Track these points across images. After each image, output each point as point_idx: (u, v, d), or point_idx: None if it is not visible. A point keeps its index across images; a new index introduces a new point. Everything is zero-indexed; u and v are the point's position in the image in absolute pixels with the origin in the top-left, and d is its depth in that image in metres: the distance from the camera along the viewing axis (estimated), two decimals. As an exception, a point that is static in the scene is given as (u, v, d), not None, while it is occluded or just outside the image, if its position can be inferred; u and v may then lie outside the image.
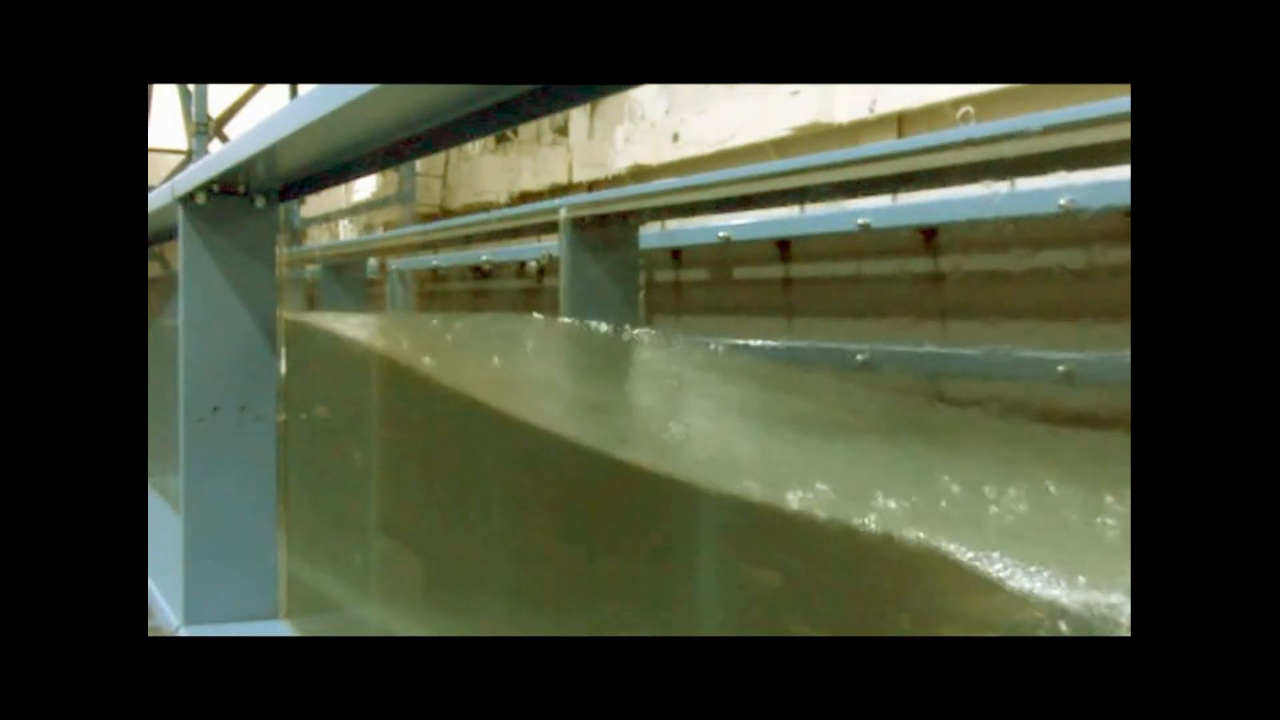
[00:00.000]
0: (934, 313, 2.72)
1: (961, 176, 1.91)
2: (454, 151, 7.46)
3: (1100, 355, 1.98)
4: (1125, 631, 0.66)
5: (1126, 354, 0.61)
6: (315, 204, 8.25)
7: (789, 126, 4.57)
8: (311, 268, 4.16)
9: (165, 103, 7.98)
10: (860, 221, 2.64)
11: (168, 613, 1.69)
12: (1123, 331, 0.62)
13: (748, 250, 3.19)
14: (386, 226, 7.33)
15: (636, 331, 1.70)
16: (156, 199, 1.81)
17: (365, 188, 7.97)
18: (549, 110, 1.11)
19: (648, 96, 5.58)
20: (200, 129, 6.93)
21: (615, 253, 2.47)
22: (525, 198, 6.47)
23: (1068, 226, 2.30)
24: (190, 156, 7.18)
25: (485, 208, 6.29)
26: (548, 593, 1.27)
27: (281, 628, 1.64)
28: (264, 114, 1.42)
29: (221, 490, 1.63)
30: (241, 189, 1.63)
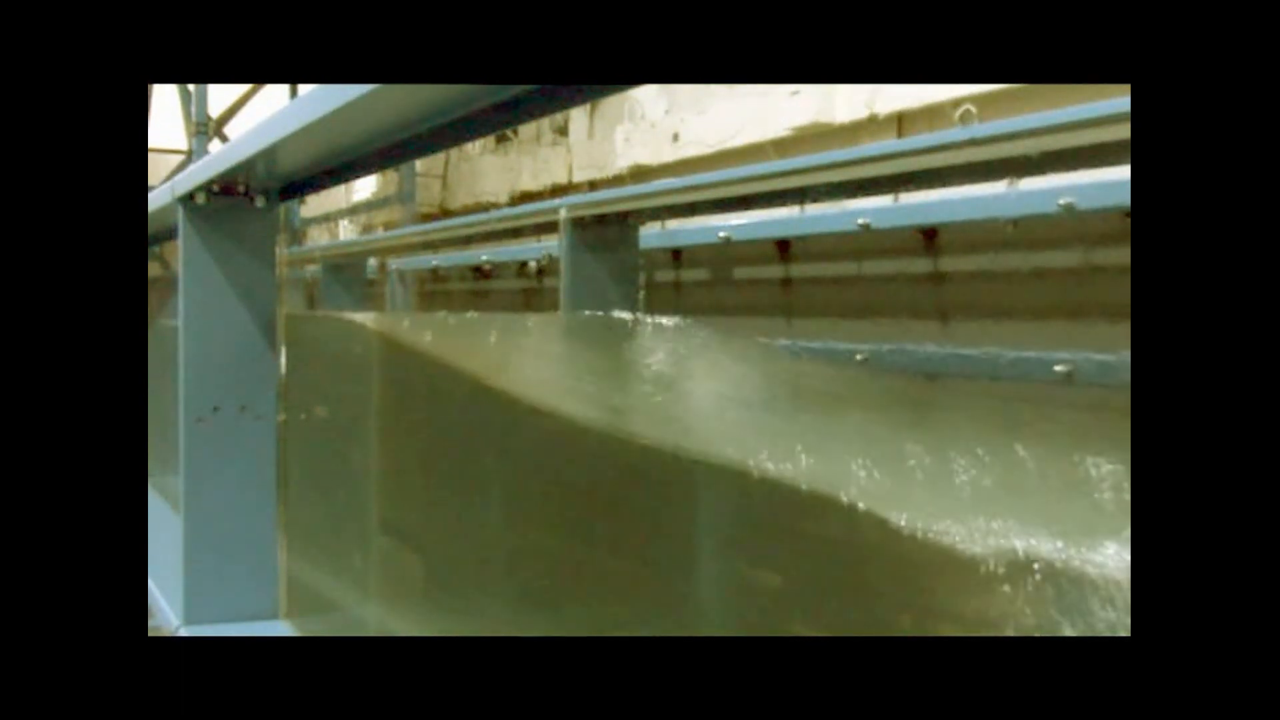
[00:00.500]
0: (934, 313, 2.72)
1: (961, 176, 1.91)
2: (454, 151, 7.46)
3: (1101, 356, 1.98)
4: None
5: (1126, 355, 0.61)
6: (315, 204, 8.25)
7: (789, 126, 4.57)
8: (311, 268, 4.16)
9: (165, 103, 7.98)
10: (860, 221, 2.65)
11: (168, 613, 1.69)
12: (1122, 331, 0.62)
13: (748, 250, 3.19)
14: (386, 227, 7.33)
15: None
16: (156, 199, 1.81)
17: (365, 188, 7.97)
18: (549, 110, 1.11)
19: (648, 96, 5.58)
20: (200, 129, 6.93)
21: (615, 253, 2.47)
22: (525, 198, 6.47)
23: (1068, 226, 2.30)
24: (190, 156, 7.18)
25: (485, 208, 6.29)
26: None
27: (281, 628, 1.64)
28: (264, 114, 1.42)
29: (221, 490, 1.63)
30: (241, 189, 1.63)
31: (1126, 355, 0.61)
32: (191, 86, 7.08)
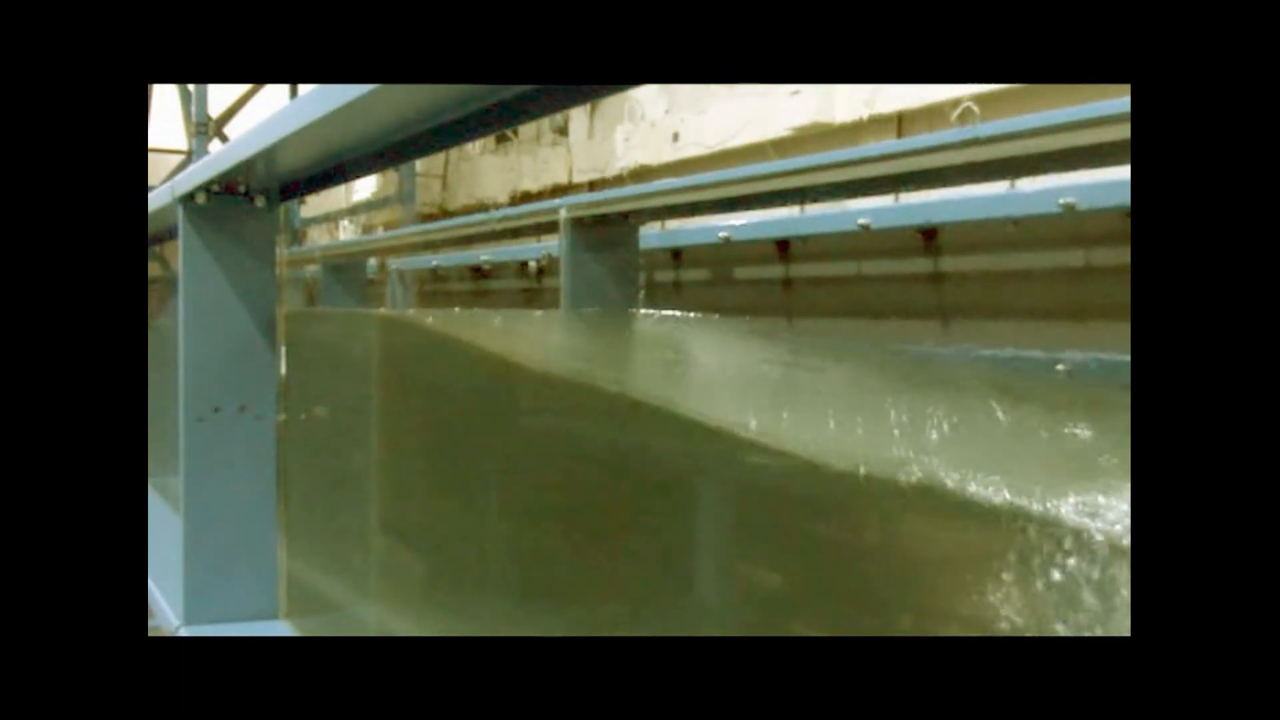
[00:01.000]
0: (934, 313, 2.72)
1: (961, 176, 1.91)
2: (454, 151, 7.47)
3: (1102, 356, 1.98)
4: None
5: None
6: (315, 204, 8.25)
7: (789, 126, 4.57)
8: (311, 268, 4.17)
9: (165, 103, 7.98)
10: (860, 221, 2.65)
11: (168, 613, 1.69)
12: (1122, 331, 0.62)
13: (748, 250, 3.19)
14: (386, 227, 7.33)
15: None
16: (156, 199, 1.81)
17: (365, 188, 7.97)
18: (549, 110, 1.11)
19: (648, 96, 5.58)
20: (200, 129, 6.93)
21: (615, 253, 2.47)
22: (525, 198, 6.48)
23: (1068, 226, 2.31)
24: (190, 156, 7.18)
25: (485, 208, 6.29)
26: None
27: (281, 628, 1.64)
28: (264, 114, 1.42)
29: (221, 490, 1.63)
30: (241, 189, 1.63)
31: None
32: (191, 86, 7.08)
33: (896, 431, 0.85)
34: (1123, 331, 0.62)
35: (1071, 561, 0.60)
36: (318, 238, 8.15)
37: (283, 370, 1.70)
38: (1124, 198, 1.93)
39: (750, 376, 1.29)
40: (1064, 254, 2.41)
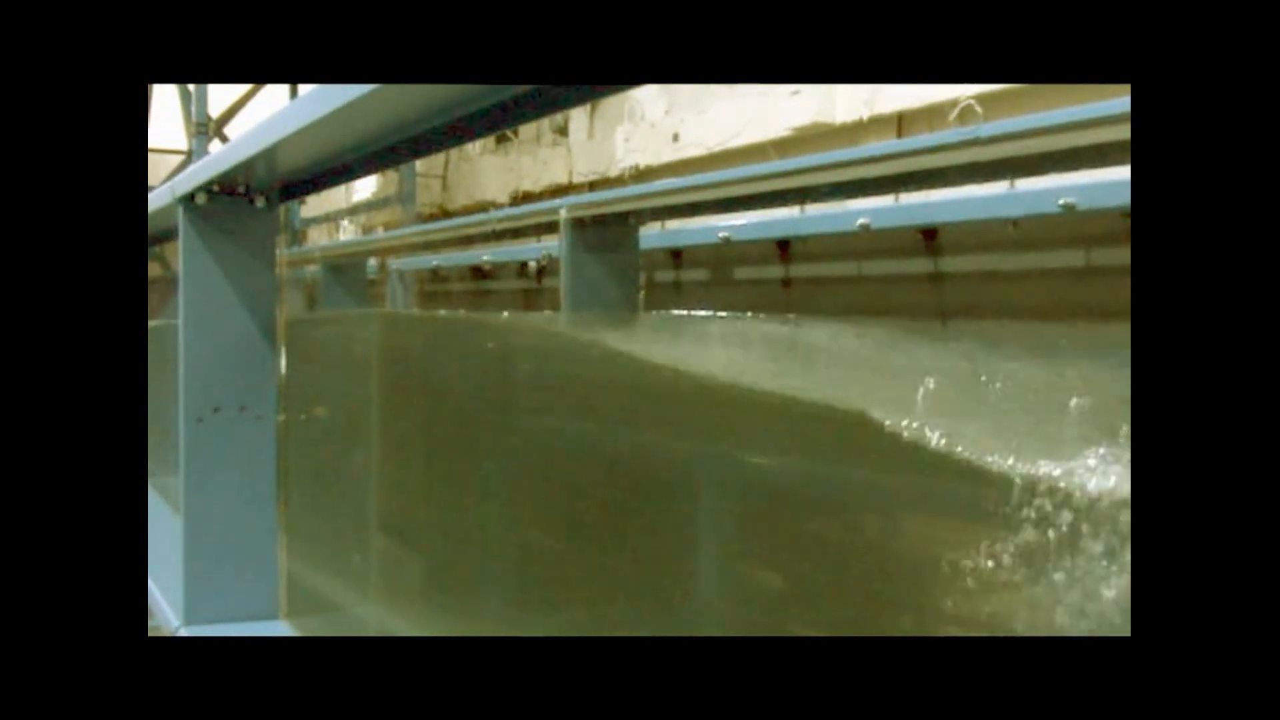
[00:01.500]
0: (934, 312, 2.72)
1: (961, 176, 1.91)
2: (454, 152, 7.46)
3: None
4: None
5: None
6: (315, 204, 8.25)
7: (789, 127, 4.57)
8: (311, 268, 4.17)
9: (165, 103, 7.98)
10: (860, 221, 2.65)
11: (168, 613, 1.69)
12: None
13: (748, 250, 3.19)
14: (386, 227, 7.33)
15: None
16: (156, 199, 1.81)
17: (365, 188, 7.97)
18: (549, 110, 1.11)
19: (648, 97, 5.58)
20: (200, 129, 6.93)
21: (615, 253, 2.47)
22: (525, 198, 6.48)
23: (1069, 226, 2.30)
24: (190, 156, 7.18)
25: (485, 209, 6.30)
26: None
27: (281, 628, 1.64)
28: (264, 114, 1.42)
29: (221, 490, 1.63)
30: (241, 189, 1.63)
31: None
32: (191, 86, 7.08)
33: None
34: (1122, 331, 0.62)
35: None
36: (318, 238, 8.15)
37: (283, 370, 1.70)
38: (1124, 198, 1.93)
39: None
40: (1064, 254, 2.41)
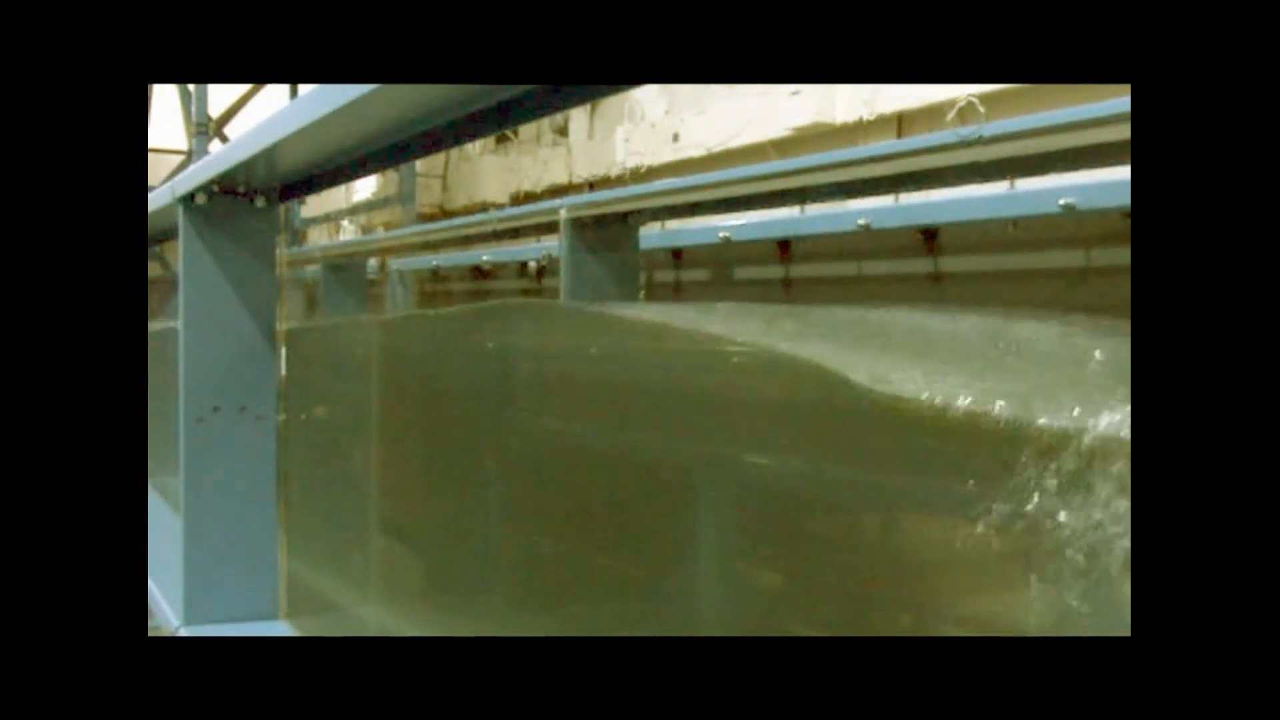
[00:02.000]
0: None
1: (961, 176, 1.91)
2: (454, 152, 7.46)
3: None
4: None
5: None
6: (315, 204, 8.25)
7: (789, 127, 4.57)
8: (311, 268, 4.17)
9: (165, 103, 7.98)
10: (860, 221, 2.65)
11: (168, 613, 1.69)
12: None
13: (748, 250, 3.19)
14: (386, 227, 7.33)
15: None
16: (156, 199, 1.81)
17: (365, 188, 7.97)
18: (549, 110, 1.11)
19: (648, 96, 5.58)
20: (200, 129, 6.93)
21: (615, 253, 2.47)
22: (525, 198, 6.48)
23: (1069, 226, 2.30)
24: (190, 156, 7.18)
25: (485, 209, 6.29)
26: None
27: (281, 628, 1.64)
28: (264, 114, 1.42)
29: (221, 490, 1.63)
30: (241, 189, 1.63)
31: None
32: (191, 86, 7.08)
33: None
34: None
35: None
36: (317, 238, 8.14)
37: (283, 370, 1.70)
38: (1124, 198, 1.93)
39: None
40: (1064, 254, 2.41)
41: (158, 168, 7.02)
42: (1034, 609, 0.75)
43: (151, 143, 6.67)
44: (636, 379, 1.39)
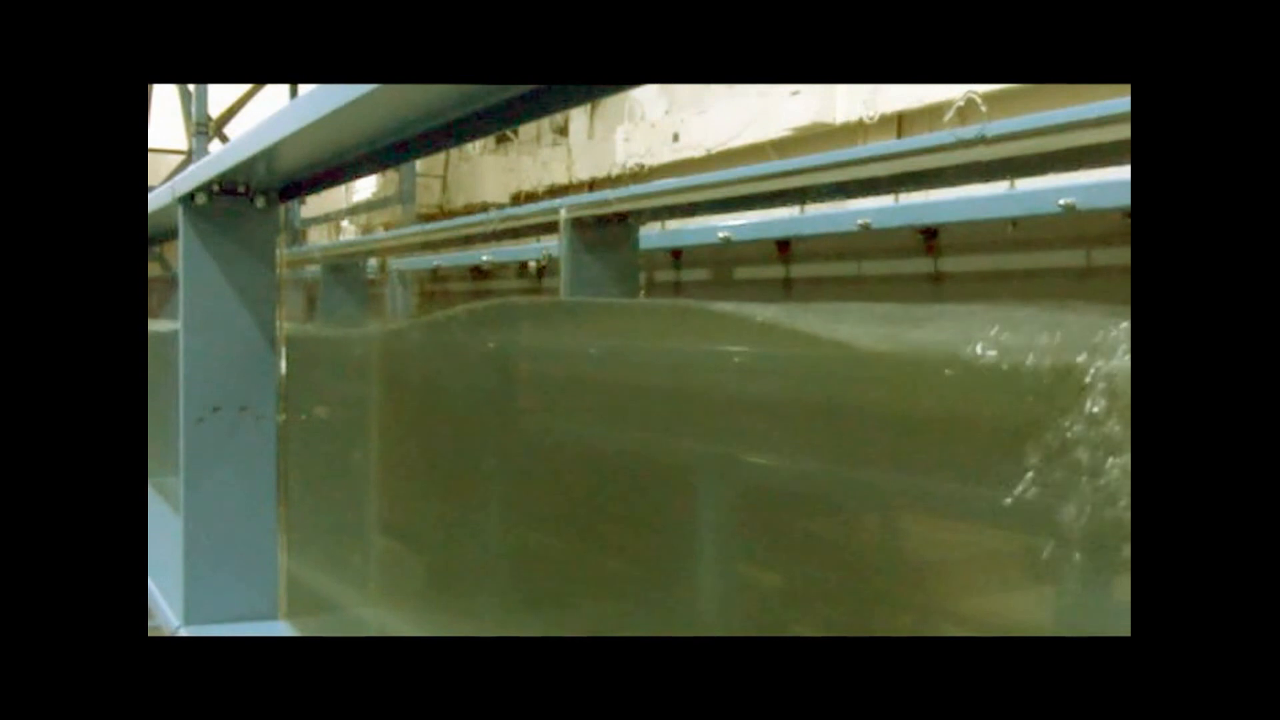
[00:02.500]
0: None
1: (961, 176, 1.91)
2: (454, 152, 7.47)
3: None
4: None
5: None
6: (315, 204, 8.25)
7: (789, 127, 4.57)
8: (311, 268, 4.17)
9: (165, 103, 7.98)
10: (860, 221, 2.65)
11: (168, 613, 1.69)
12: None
13: (748, 250, 3.19)
14: (386, 227, 7.33)
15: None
16: (156, 199, 1.81)
17: (365, 188, 7.97)
18: (549, 110, 1.11)
19: (648, 96, 5.58)
20: (200, 129, 6.93)
21: (615, 253, 2.47)
22: (526, 198, 6.48)
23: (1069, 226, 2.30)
24: (190, 156, 7.18)
25: (485, 209, 6.29)
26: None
27: (281, 628, 1.64)
28: (264, 114, 1.42)
29: (221, 490, 1.63)
30: (241, 189, 1.62)
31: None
32: (191, 86, 7.08)
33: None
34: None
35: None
36: (317, 238, 8.14)
37: (283, 370, 1.69)
38: (1124, 198, 1.93)
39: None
40: (1064, 254, 2.41)
41: (158, 168, 7.02)
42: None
43: (151, 143, 6.67)
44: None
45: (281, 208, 1.69)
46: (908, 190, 2.36)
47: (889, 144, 2.11)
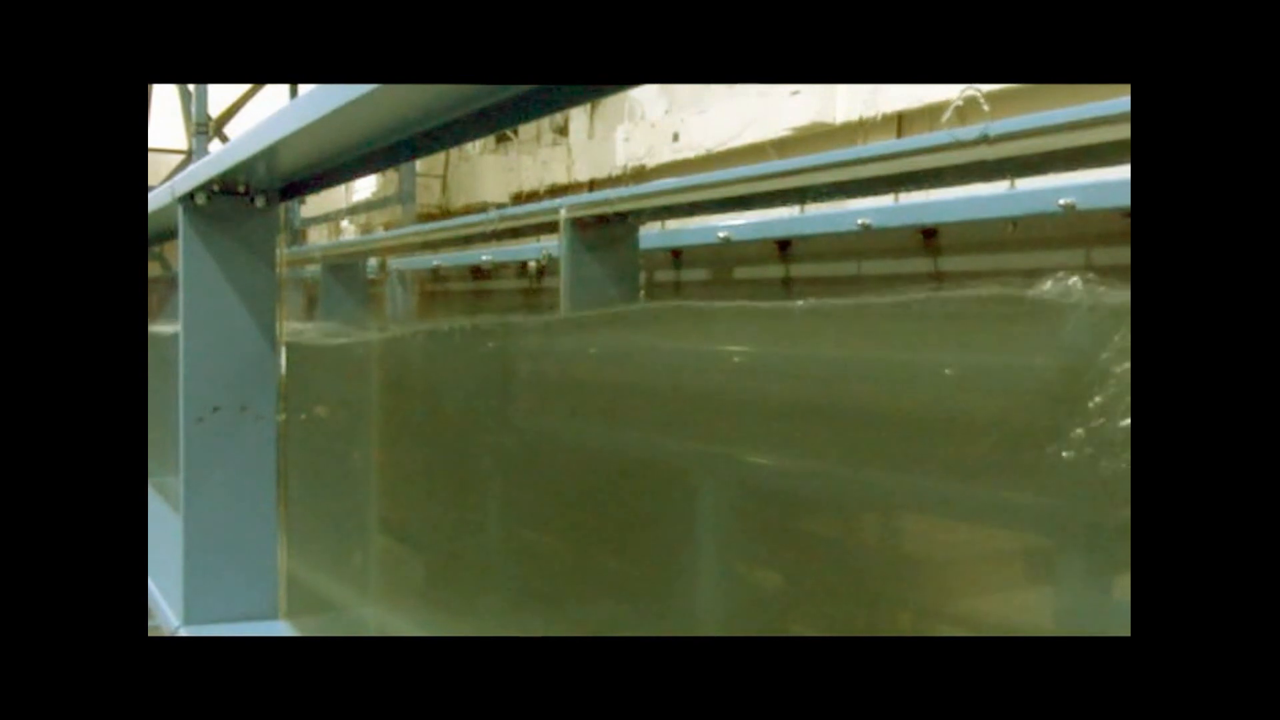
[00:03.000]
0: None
1: (961, 176, 1.91)
2: (454, 152, 7.47)
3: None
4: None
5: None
6: (315, 204, 8.25)
7: (789, 127, 4.57)
8: (311, 268, 4.17)
9: (165, 103, 7.98)
10: (860, 221, 2.65)
11: (168, 613, 1.69)
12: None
13: (748, 250, 3.19)
14: (386, 227, 7.33)
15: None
16: (156, 199, 1.81)
17: (365, 188, 7.97)
18: (549, 110, 1.11)
19: (648, 96, 5.58)
20: (200, 129, 6.93)
21: (615, 253, 2.47)
22: (526, 198, 6.48)
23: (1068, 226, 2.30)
24: (190, 156, 7.18)
25: (485, 209, 6.29)
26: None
27: (281, 628, 1.64)
28: (264, 114, 1.42)
29: (221, 490, 1.63)
30: (241, 189, 1.63)
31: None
32: (191, 86, 7.08)
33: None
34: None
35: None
36: (317, 238, 8.14)
37: (283, 370, 1.69)
38: (1124, 198, 1.93)
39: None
40: (1064, 254, 2.41)
41: (158, 168, 7.02)
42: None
43: (151, 143, 6.67)
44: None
45: (281, 207, 1.69)
46: (908, 190, 2.36)
47: (889, 144, 2.11)
